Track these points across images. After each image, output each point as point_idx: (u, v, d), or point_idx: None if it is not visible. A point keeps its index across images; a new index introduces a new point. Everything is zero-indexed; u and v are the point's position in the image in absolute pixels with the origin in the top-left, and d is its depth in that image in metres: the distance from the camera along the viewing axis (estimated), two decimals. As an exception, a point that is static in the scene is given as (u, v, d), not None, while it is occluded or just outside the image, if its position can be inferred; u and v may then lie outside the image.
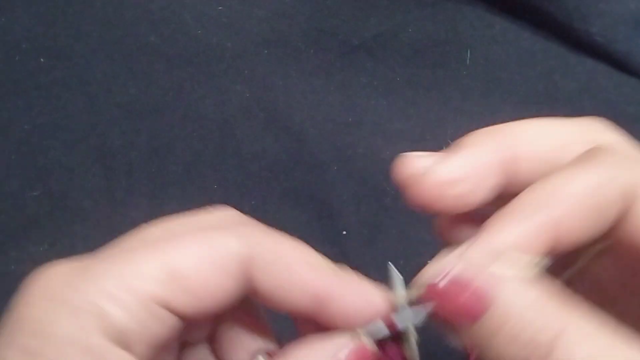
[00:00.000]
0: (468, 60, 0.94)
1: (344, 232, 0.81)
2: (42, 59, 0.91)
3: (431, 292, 0.38)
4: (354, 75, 0.92)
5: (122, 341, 0.38)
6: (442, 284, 0.37)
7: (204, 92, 0.90)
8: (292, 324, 0.46)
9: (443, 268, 0.38)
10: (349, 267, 0.44)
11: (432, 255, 0.41)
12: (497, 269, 0.37)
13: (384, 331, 0.41)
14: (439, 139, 0.88)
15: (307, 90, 0.91)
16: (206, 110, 0.89)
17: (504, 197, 0.41)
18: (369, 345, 0.41)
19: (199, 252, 0.41)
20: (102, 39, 0.93)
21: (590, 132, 0.39)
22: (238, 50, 0.93)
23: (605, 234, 0.39)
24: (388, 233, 0.82)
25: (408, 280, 0.41)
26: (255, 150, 0.87)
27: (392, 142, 0.88)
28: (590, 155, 0.40)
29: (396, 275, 0.42)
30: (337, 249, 0.79)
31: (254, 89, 0.90)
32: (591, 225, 0.38)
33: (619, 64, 0.93)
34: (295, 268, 0.42)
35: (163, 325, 0.41)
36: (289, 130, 0.88)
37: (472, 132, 0.41)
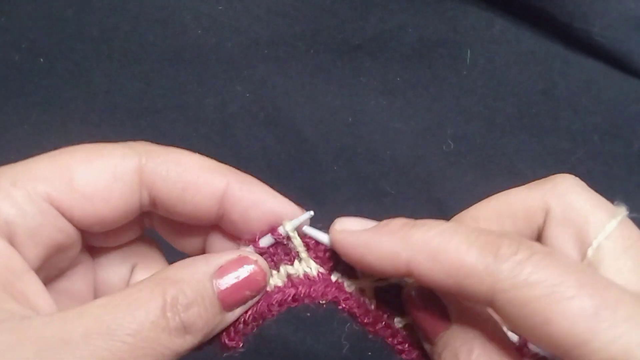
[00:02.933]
0: (468, 60, 0.94)
1: (344, 232, 0.81)
2: (42, 59, 0.91)
3: (410, 300, 0.45)
4: (354, 75, 0.92)
5: (6, 231, 0.40)
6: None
7: (204, 92, 0.90)
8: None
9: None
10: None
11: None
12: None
13: (270, 240, 0.45)
14: (439, 139, 0.89)
15: (307, 90, 0.91)
16: (206, 110, 0.89)
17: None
18: (251, 255, 0.44)
19: (95, 161, 0.43)
20: (102, 39, 0.93)
21: (483, 263, 0.40)
22: (238, 50, 0.93)
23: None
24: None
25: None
26: (255, 150, 0.87)
27: (392, 142, 0.88)
28: None
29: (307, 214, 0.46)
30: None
31: (254, 89, 0.90)
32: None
33: (619, 64, 0.93)
34: (195, 172, 0.45)
35: (55, 226, 0.42)
36: (289, 130, 0.88)
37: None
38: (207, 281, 0.41)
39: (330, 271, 0.46)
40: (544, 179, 0.47)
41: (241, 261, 0.43)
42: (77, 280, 0.47)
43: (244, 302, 0.43)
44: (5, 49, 0.91)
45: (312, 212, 0.46)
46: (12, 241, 0.40)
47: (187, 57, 0.92)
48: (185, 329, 0.39)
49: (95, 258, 0.48)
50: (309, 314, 0.74)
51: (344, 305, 0.46)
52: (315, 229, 0.46)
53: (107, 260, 0.49)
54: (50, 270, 0.45)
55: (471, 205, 0.49)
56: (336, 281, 0.46)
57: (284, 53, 0.93)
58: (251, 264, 0.43)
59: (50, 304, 0.41)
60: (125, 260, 0.49)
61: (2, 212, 0.40)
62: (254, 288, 0.43)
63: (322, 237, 0.46)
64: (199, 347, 0.42)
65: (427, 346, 0.44)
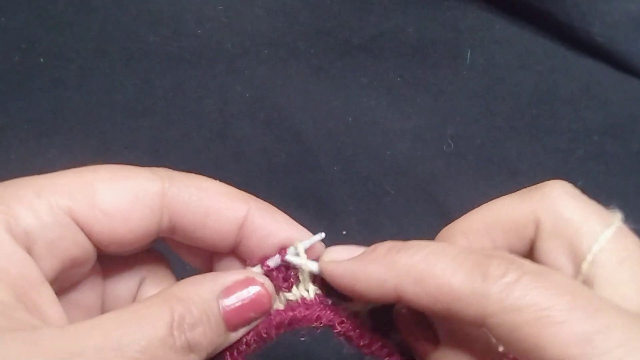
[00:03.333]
0: (468, 60, 0.94)
1: (344, 232, 0.81)
2: (42, 59, 0.91)
3: (400, 319, 0.45)
4: (354, 75, 0.92)
5: (25, 241, 0.40)
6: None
7: (204, 92, 0.90)
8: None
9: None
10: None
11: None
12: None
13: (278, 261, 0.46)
14: (439, 139, 0.88)
15: (307, 90, 0.91)
16: (206, 110, 0.89)
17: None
18: (258, 277, 0.44)
19: (119, 181, 0.43)
20: (102, 39, 0.93)
21: (470, 287, 0.39)
22: (238, 50, 0.93)
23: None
24: (388, 233, 0.82)
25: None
26: (256, 150, 0.87)
27: (392, 142, 0.88)
28: None
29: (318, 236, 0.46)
30: (337, 249, 0.79)
31: (254, 89, 0.90)
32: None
33: (619, 64, 0.93)
34: (217, 198, 0.45)
35: (73, 241, 0.42)
36: (289, 130, 0.88)
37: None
38: (214, 300, 0.41)
39: (327, 294, 0.46)
40: (533, 187, 0.46)
41: (248, 282, 0.43)
42: (87, 292, 0.47)
43: (248, 323, 0.43)
44: (5, 49, 0.91)
45: (323, 234, 0.47)
46: (30, 251, 0.41)
47: (187, 57, 0.92)
48: (190, 347, 0.39)
49: (105, 270, 0.49)
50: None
51: (339, 329, 0.46)
52: (304, 259, 0.46)
53: (116, 273, 0.49)
54: (64, 283, 0.45)
55: (471, 206, 0.48)
56: (332, 304, 0.46)
57: (284, 53, 0.93)
58: (258, 285, 0.43)
59: (61, 316, 0.41)
60: (133, 273, 0.49)
61: (23, 222, 0.40)
62: (259, 310, 0.44)
63: (311, 265, 0.46)
64: None
65: None
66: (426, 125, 0.89)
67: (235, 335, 0.43)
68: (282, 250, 0.45)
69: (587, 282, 0.42)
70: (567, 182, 0.45)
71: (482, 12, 0.97)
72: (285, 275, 0.46)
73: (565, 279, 0.38)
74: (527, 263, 0.39)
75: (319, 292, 0.46)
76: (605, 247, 0.42)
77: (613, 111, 0.91)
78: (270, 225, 0.46)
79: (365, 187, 0.85)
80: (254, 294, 0.43)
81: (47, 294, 0.41)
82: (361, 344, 0.46)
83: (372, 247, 0.43)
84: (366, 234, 0.81)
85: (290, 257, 0.45)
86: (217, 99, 0.90)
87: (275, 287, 0.46)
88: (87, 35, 0.93)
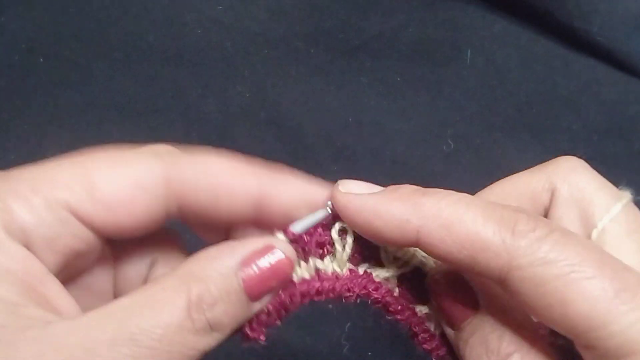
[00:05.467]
0: (468, 60, 0.94)
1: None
2: (42, 59, 0.91)
3: (437, 284, 0.43)
4: (354, 75, 0.92)
5: (23, 238, 0.39)
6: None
7: (204, 92, 0.90)
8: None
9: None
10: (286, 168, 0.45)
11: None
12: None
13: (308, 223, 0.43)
14: (439, 139, 0.88)
15: (307, 90, 0.91)
16: (206, 110, 0.89)
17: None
18: (278, 243, 0.41)
19: (118, 169, 0.41)
20: (102, 39, 0.93)
21: (500, 238, 0.39)
22: (238, 50, 0.93)
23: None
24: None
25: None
26: (255, 150, 0.86)
27: (392, 142, 0.88)
28: None
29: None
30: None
31: (254, 89, 0.90)
32: None
33: (619, 64, 0.93)
34: (225, 176, 0.42)
35: (74, 235, 0.41)
36: (289, 130, 0.88)
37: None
38: (233, 275, 0.39)
39: (357, 265, 0.44)
40: (547, 162, 0.46)
41: (267, 250, 0.41)
42: (97, 276, 0.46)
43: (270, 292, 0.41)
44: (5, 49, 0.91)
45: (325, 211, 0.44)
46: (29, 248, 0.40)
47: (187, 57, 0.92)
48: (211, 327, 0.38)
49: (115, 251, 0.47)
50: (309, 314, 0.74)
51: (376, 296, 0.43)
52: (305, 220, 0.43)
53: (127, 253, 0.47)
54: (70, 272, 0.44)
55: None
56: (364, 272, 0.44)
57: (284, 53, 0.93)
58: (278, 253, 0.41)
59: (73, 305, 0.40)
60: (145, 253, 0.48)
61: (20, 219, 0.39)
62: (281, 278, 0.41)
63: (317, 216, 0.43)
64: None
65: (449, 332, 0.43)
66: (426, 125, 0.89)
67: (258, 305, 0.41)
68: (287, 228, 0.43)
69: None
70: (580, 159, 0.46)
71: (482, 12, 0.97)
72: (319, 240, 0.43)
73: (589, 240, 0.39)
74: (553, 222, 0.39)
75: (351, 266, 0.44)
76: (616, 218, 0.43)
77: (613, 111, 0.91)
78: (288, 193, 0.43)
79: (365, 187, 0.85)
80: (275, 262, 0.40)
81: (54, 286, 0.40)
82: (396, 309, 0.44)
83: (393, 187, 0.42)
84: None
85: (329, 208, 0.43)
86: (217, 99, 0.90)
87: (305, 252, 0.43)
88: (87, 35, 0.93)
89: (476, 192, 0.48)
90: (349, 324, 0.70)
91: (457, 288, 0.43)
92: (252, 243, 0.41)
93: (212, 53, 0.92)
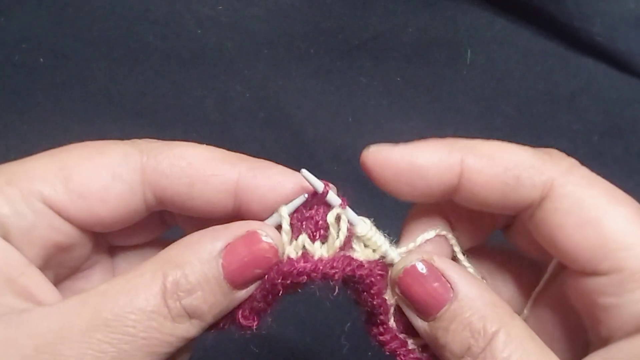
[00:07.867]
0: (468, 60, 0.94)
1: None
2: (42, 59, 0.91)
3: (408, 275, 0.43)
4: (354, 75, 0.92)
5: (0, 230, 0.39)
6: (418, 270, 0.42)
7: (204, 92, 0.90)
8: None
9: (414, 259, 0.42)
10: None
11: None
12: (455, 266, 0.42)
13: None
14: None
15: (307, 90, 0.91)
16: (206, 110, 0.89)
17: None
18: (261, 229, 0.41)
19: (93, 160, 0.42)
20: (102, 39, 0.93)
21: (540, 160, 0.42)
22: (238, 50, 0.93)
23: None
24: (388, 233, 0.82)
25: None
26: (255, 150, 0.86)
27: (392, 142, 0.88)
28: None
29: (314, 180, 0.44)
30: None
31: (254, 89, 0.90)
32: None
33: (619, 64, 0.93)
34: (201, 166, 0.42)
35: (50, 226, 0.41)
36: (289, 130, 0.88)
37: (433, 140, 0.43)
38: (213, 261, 0.38)
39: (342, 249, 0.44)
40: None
41: (250, 237, 0.40)
42: (95, 282, 0.46)
43: (255, 280, 0.41)
44: (5, 49, 0.91)
45: (305, 195, 0.44)
46: (7, 239, 0.40)
47: (187, 57, 0.92)
48: (188, 314, 0.37)
49: (115, 259, 0.47)
50: (309, 314, 0.74)
51: (360, 273, 0.43)
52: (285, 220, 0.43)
53: (126, 261, 0.48)
54: (59, 269, 0.44)
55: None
56: (344, 254, 0.44)
57: (284, 53, 0.93)
58: (260, 240, 0.40)
59: (56, 296, 0.40)
60: (146, 252, 0.48)
61: None
62: (264, 265, 0.40)
63: (299, 200, 0.43)
64: (218, 327, 0.40)
65: (421, 324, 0.43)
66: (426, 125, 0.89)
67: (243, 293, 0.40)
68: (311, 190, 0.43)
69: None
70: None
71: (482, 12, 0.97)
72: (315, 219, 0.43)
73: None
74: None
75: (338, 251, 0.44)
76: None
77: (613, 111, 0.91)
78: (267, 183, 0.43)
79: (366, 187, 0.85)
80: (257, 250, 0.40)
81: (35, 277, 0.40)
82: (375, 291, 0.44)
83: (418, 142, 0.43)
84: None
85: (283, 210, 0.42)
86: (217, 99, 0.90)
87: (299, 227, 0.43)
88: (87, 35, 0.93)
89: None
90: (349, 324, 0.70)
91: (430, 277, 0.43)
92: (234, 229, 0.40)
93: (212, 53, 0.92)
